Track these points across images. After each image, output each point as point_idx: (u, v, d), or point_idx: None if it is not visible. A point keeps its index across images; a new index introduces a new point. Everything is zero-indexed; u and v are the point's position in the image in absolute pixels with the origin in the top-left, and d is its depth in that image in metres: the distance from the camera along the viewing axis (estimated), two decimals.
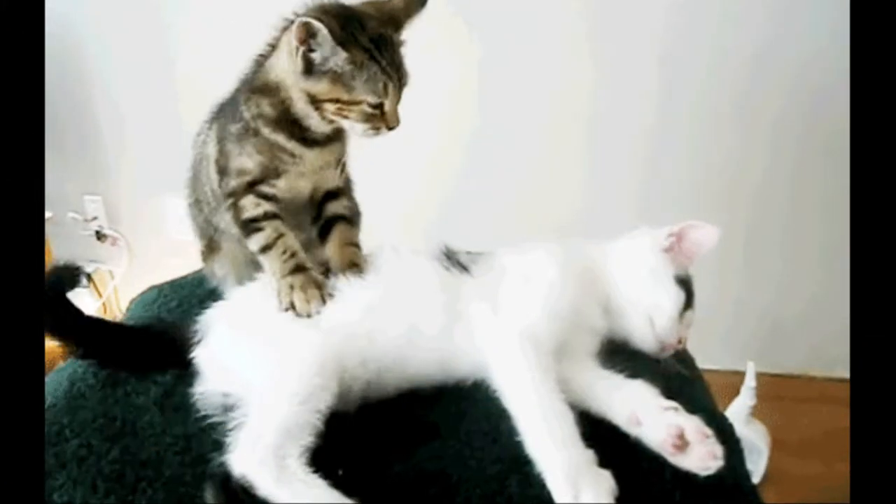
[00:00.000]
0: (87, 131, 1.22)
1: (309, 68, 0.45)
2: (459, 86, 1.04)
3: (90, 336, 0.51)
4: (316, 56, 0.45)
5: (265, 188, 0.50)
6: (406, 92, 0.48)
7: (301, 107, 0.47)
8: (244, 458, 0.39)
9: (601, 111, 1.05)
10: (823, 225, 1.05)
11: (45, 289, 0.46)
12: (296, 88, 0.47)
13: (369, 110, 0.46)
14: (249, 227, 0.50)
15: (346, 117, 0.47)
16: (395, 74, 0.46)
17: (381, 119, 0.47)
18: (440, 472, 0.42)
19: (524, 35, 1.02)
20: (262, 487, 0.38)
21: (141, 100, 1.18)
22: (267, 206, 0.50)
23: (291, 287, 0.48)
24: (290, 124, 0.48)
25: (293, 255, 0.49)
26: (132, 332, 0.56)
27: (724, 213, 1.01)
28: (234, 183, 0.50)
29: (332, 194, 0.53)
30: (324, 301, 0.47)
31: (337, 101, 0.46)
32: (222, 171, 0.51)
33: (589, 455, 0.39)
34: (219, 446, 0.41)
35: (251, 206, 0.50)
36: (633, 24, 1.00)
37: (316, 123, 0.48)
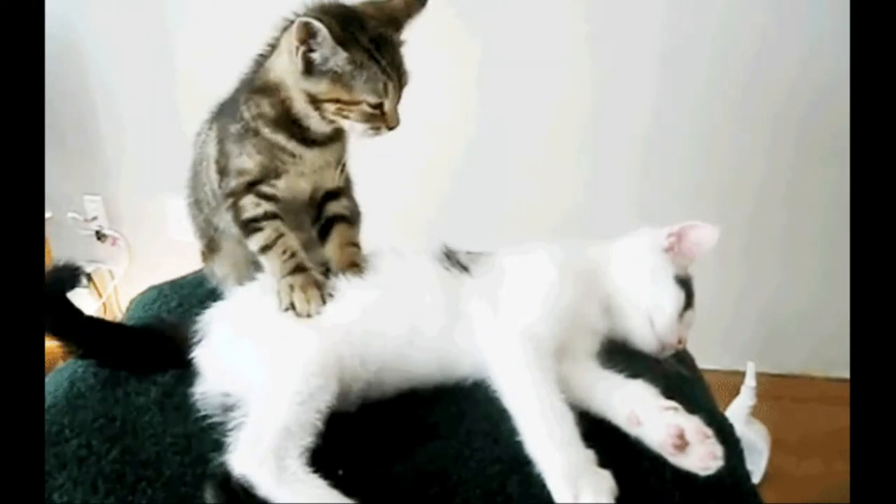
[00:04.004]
0: (87, 131, 1.22)
1: (309, 68, 0.45)
2: (460, 86, 1.04)
3: (90, 336, 0.51)
4: (316, 56, 0.45)
5: (265, 188, 0.50)
6: (406, 92, 0.48)
7: (301, 107, 0.47)
8: (244, 458, 0.39)
9: (601, 111, 1.05)
10: (823, 225, 1.05)
11: (46, 289, 0.46)
12: (296, 88, 0.47)
13: (369, 110, 0.46)
14: (249, 226, 0.50)
15: (346, 117, 0.47)
16: (395, 74, 0.46)
17: (380, 119, 0.47)
18: (440, 472, 0.42)
19: (524, 35, 1.02)
20: (262, 487, 0.38)
21: (141, 100, 1.18)
22: (267, 206, 0.50)
23: (291, 287, 0.48)
24: (290, 124, 0.48)
25: (293, 255, 0.49)
26: (132, 332, 0.56)
27: (723, 213, 1.01)
28: (234, 183, 0.50)
29: (333, 194, 0.53)
30: (324, 301, 0.47)
31: (337, 101, 0.46)
32: (222, 171, 0.51)
33: (589, 455, 0.39)
34: (219, 446, 0.41)
35: (251, 206, 0.50)
36: (632, 25, 0.99)
37: (316, 123, 0.48)
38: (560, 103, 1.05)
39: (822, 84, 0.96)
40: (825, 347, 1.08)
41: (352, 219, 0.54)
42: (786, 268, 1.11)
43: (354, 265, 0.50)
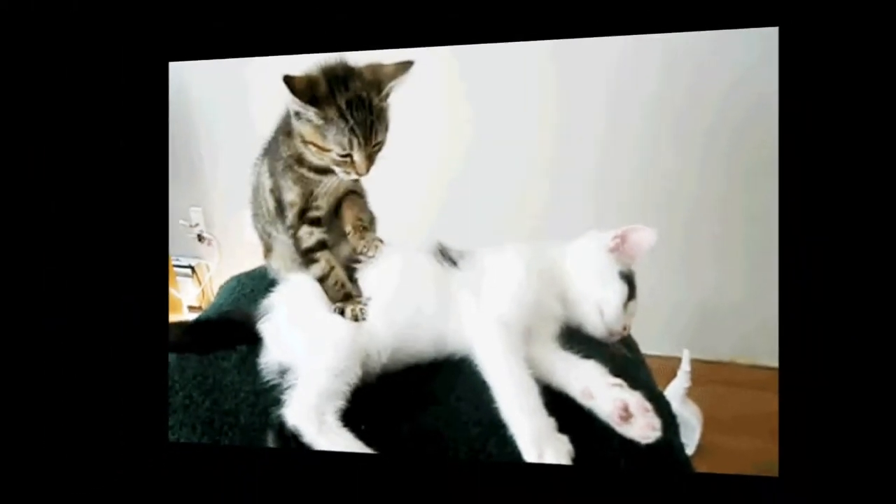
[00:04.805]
0: (193, 160, 1.29)
1: (298, 113, 0.44)
2: (451, 124, 1.03)
3: (198, 339, 0.52)
4: (296, 106, 0.43)
5: (312, 213, 0.50)
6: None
7: (299, 144, 0.47)
8: (294, 413, 0.41)
9: (565, 139, 1.03)
10: (749, 231, 1.01)
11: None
12: (296, 128, 0.46)
13: (339, 158, 0.45)
14: (308, 257, 0.51)
15: (321, 159, 0.46)
16: (362, 133, 0.43)
17: (350, 166, 0.45)
18: (436, 432, 0.42)
19: (509, 89, 1.00)
20: (307, 435, 0.39)
21: (233, 140, 1.21)
22: (318, 235, 0.50)
23: (341, 311, 0.48)
24: (303, 159, 0.48)
25: (343, 285, 0.50)
26: (218, 323, 0.56)
27: (664, 220, 0.97)
28: (290, 217, 0.51)
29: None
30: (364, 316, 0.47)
31: (314, 144, 0.45)
32: (279, 204, 0.52)
33: (551, 422, 0.39)
34: (277, 402, 0.42)
35: (306, 237, 0.50)
36: (589, 70, 0.97)
37: (310, 157, 0.47)
38: (532, 132, 1.03)
39: (749, 109, 0.91)
40: (751, 338, 1.03)
41: (360, 193, 0.52)
42: (717, 268, 1.07)
43: (364, 229, 0.50)
